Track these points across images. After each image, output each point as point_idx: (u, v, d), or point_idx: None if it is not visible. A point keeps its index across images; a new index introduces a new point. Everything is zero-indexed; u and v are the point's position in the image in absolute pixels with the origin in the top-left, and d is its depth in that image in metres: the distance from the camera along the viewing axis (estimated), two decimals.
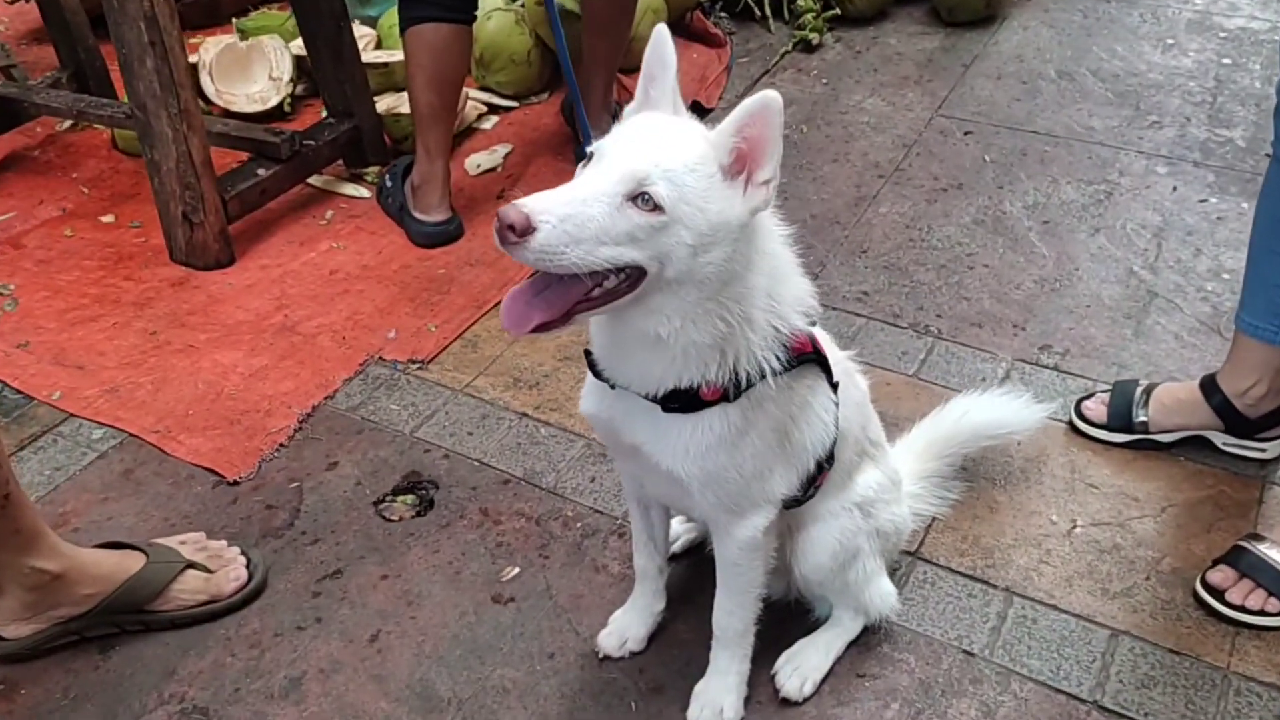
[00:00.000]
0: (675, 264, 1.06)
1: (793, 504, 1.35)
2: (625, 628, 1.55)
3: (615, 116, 2.26)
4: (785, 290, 1.19)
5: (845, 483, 1.43)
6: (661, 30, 1.16)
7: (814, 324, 1.27)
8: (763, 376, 1.18)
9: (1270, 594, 1.56)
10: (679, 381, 1.17)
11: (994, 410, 1.74)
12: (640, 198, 1.02)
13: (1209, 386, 1.82)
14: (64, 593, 1.52)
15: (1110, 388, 1.93)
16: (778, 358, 1.18)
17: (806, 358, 1.24)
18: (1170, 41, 3.21)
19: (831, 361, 1.31)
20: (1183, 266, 2.32)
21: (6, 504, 1.42)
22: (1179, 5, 3.41)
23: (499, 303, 2.30)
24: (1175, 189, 2.56)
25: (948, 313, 2.22)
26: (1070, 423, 1.93)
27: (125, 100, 2.71)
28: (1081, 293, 2.26)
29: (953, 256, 2.39)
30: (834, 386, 1.31)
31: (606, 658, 1.55)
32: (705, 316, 1.12)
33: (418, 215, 2.45)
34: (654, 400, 1.19)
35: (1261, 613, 1.55)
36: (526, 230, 0.99)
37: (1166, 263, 2.33)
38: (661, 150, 1.05)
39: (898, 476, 1.55)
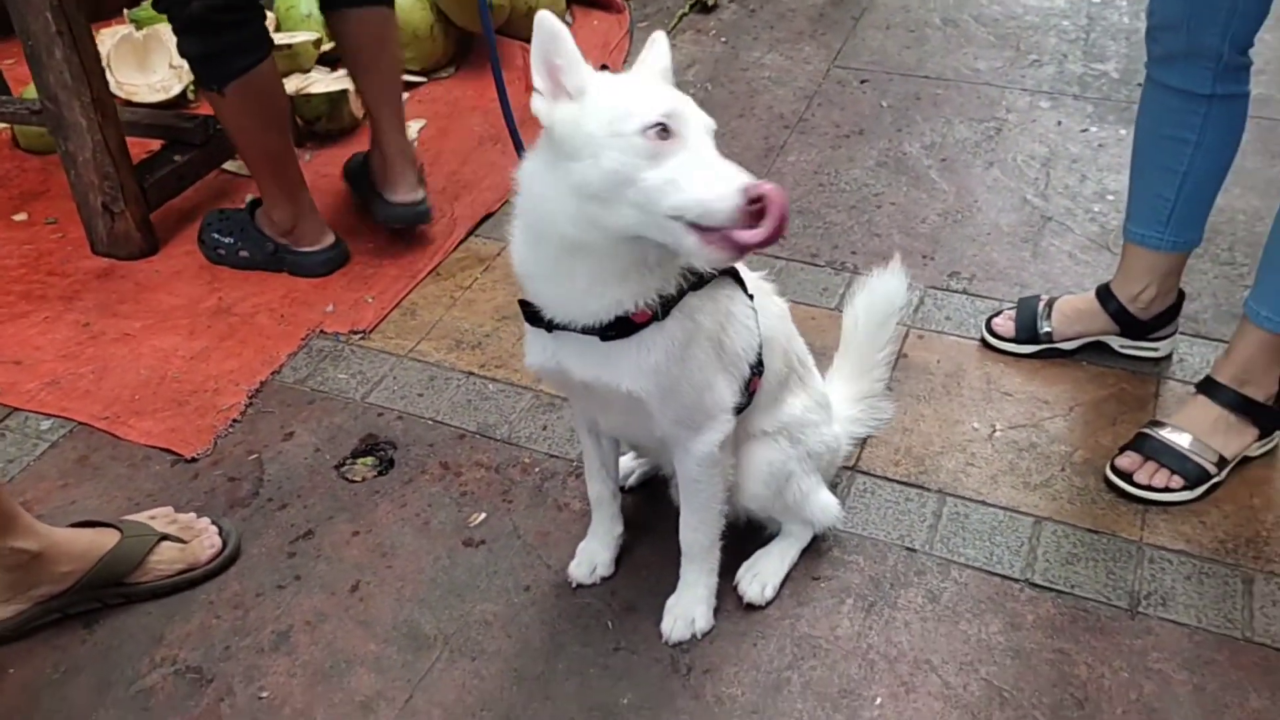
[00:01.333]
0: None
1: (738, 410, 1.45)
2: (593, 555, 1.65)
3: (420, 169, 2.30)
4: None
5: (777, 397, 1.53)
6: (543, 19, 1.17)
7: None
8: (685, 291, 1.28)
9: (1173, 472, 1.73)
10: (629, 304, 1.25)
11: (870, 297, 1.79)
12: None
13: (1104, 295, 1.99)
14: (43, 571, 1.54)
15: (1015, 305, 2.09)
16: (694, 271, 1.29)
17: (722, 272, 1.34)
18: None
19: (744, 275, 1.42)
20: (1071, 192, 2.50)
21: None
22: None
23: (432, 270, 2.35)
24: (1059, 122, 2.75)
25: (861, 249, 2.36)
26: (982, 339, 2.09)
27: (25, 96, 2.69)
28: (981, 222, 2.42)
29: (861, 197, 2.53)
30: (749, 295, 1.42)
31: (580, 586, 1.64)
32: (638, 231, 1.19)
33: (307, 249, 2.32)
34: (594, 332, 1.28)
35: (1166, 489, 1.73)
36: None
37: (1056, 189, 2.51)
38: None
39: (825, 399, 1.65)
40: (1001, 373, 2.02)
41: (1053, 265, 2.28)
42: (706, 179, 1.11)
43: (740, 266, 1.44)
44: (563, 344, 1.32)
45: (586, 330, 1.28)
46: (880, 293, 1.76)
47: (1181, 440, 1.75)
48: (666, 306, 1.27)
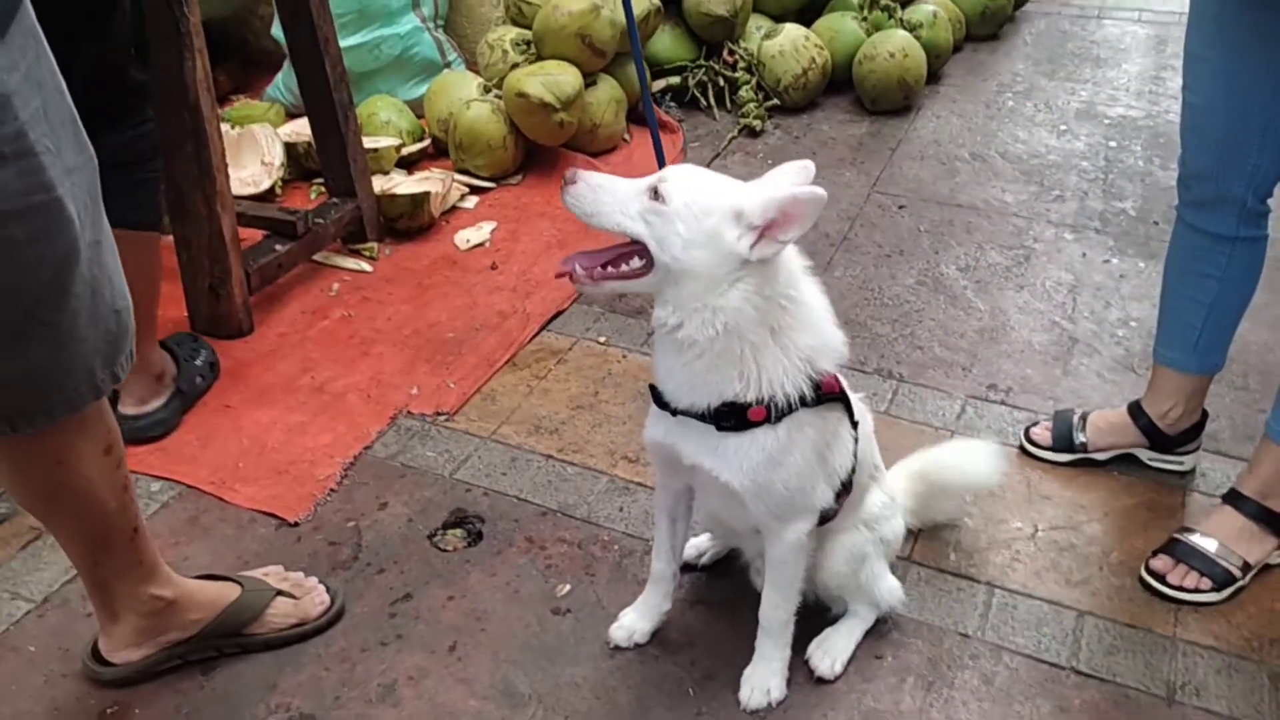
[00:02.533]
0: (669, 249, 1.38)
1: (823, 520, 1.62)
2: (634, 623, 1.79)
3: (159, 377, 2.19)
4: (816, 338, 1.49)
5: (860, 502, 1.72)
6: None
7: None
8: (802, 404, 1.47)
9: (1202, 575, 1.89)
10: (725, 393, 1.44)
11: (956, 459, 1.97)
12: (654, 191, 1.38)
13: (1135, 411, 2.18)
14: (174, 619, 1.68)
15: (1052, 417, 2.28)
16: (810, 391, 1.48)
17: (834, 396, 1.53)
18: (1064, 128, 3.69)
19: (853, 401, 1.61)
20: (1096, 317, 2.71)
21: (135, 536, 1.59)
22: (1067, 97, 3.91)
23: (509, 360, 2.54)
24: (1083, 253, 2.97)
25: (905, 359, 2.55)
26: (1021, 446, 2.26)
27: None
28: (1015, 340, 2.63)
29: (903, 312, 2.73)
30: (854, 424, 1.60)
31: (616, 648, 1.78)
32: (699, 314, 1.40)
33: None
34: (708, 419, 1.46)
35: (1196, 590, 1.88)
36: (572, 182, 1.42)
37: (1082, 314, 2.72)
38: (688, 171, 1.43)
39: (894, 495, 1.83)
40: (1040, 478, 2.19)
41: (1082, 383, 2.47)
42: None
43: (851, 395, 1.63)
44: (682, 427, 1.50)
45: (703, 417, 1.46)
46: (977, 467, 1.95)
47: (1209, 545, 1.91)
48: (780, 413, 1.45)
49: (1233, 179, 1.86)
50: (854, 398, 1.66)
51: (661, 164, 1.57)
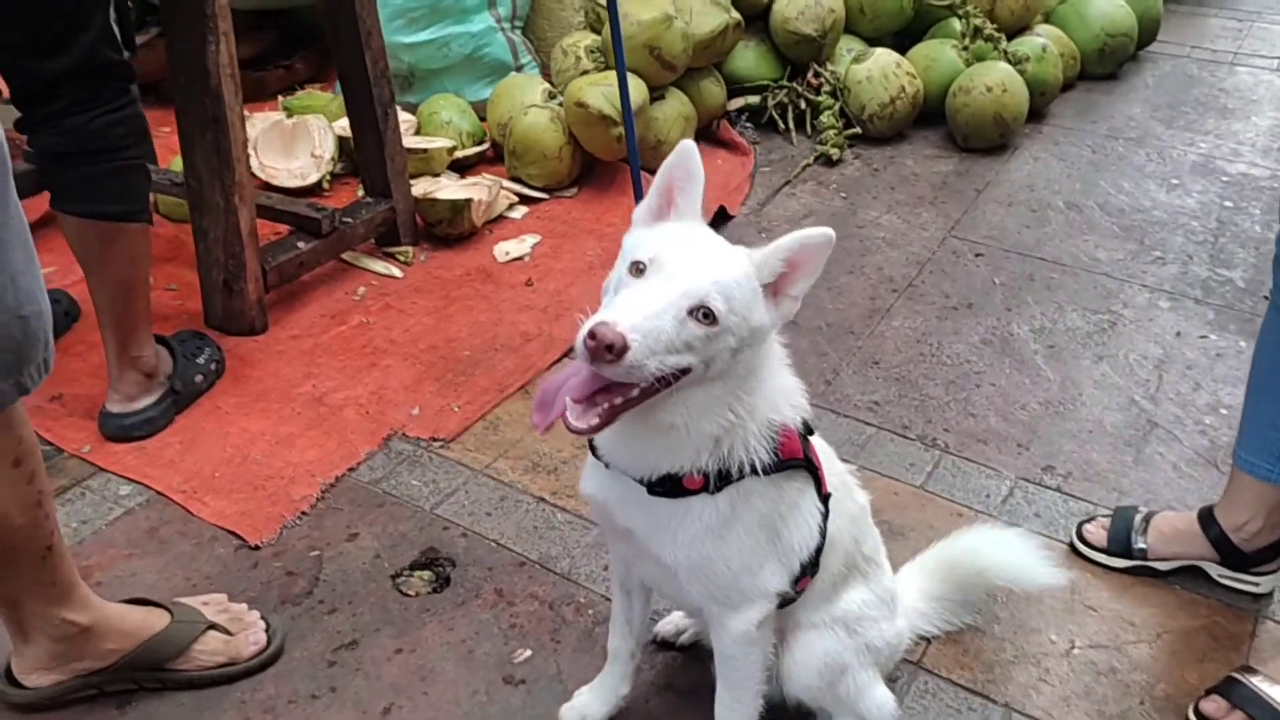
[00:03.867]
0: (718, 365, 1.17)
1: (781, 604, 1.40)
2: (586, 704, 1.60)
3: (149, 374, 2.10)
4: (778, 382, 1.30)
5: (830, 594, 1.47)
6: (687, 144, 1.25)
7: (811, 432, 1.35)
8: (752, 471, 1.25)
9: None
10: (672, 467, 1.25)
11: (1008, 556, 1.71)
12: (699, 311, 1.11)
13: (1206, 519, 1.89)
14: (89, 646, 1.55)
15: (1111, 513, 2.00)
16: (768, 453, 1.26)
17: (796, 463, 1.31)
18: (1175, 182, 3.35)
19: (829, 472, 1.39)
20: (1182, 399, 2.40)
21: (48, 555, 1.47)
22: (1184, 148, 3.57)
23: (522, 387, 2.37)
24: (1177, 326, 2.66)
25: (955, 428, 2.30)
26: (1071, 544, 1.99)
27: (172, 168, 2.84)
28: (1084, 417, 2.34)
29: (961, 373, 2.47)
30: (824, 497, 1.38)
31: None
32: (720, 408, 1.22)
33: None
34: (643, 484, 1.26)
35: None
36: (623, 350, 1.06)
37: (1167, 394, 2.42)
38: (716, 267, 1.15)
39: (890, 595, 1.58)
40: (1088, 584, 1.92)
41: (1155, 475, 2.18)
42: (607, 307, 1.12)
43: (830, 456, 1.42)
44: (615, 483, 1.30)
45: (637, 480, 1.26)
46: (1019, 573, 1.69)
47: (1275, 694, 1.62)
48: (721, 481, 1.24)
49: None
50: (838, 467, 1.44)
51: (639, 195, 1.37)
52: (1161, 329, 2.65)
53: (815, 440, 1.39)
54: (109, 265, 2.02)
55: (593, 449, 1.32)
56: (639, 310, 1.09)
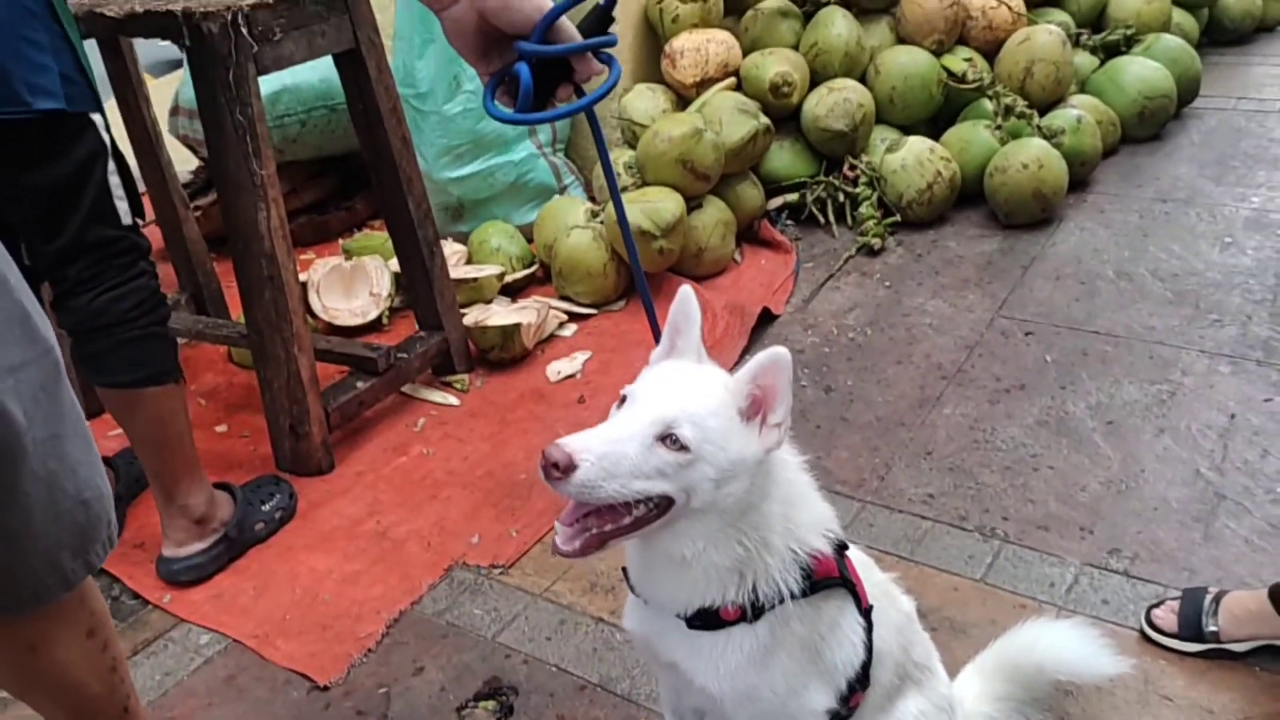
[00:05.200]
0: (700, 495, 1.19)
1: None
2: None
3: (200, 521, 2.19)
4: (802, 514, 1.31)
5: (886, 706, 1.46)
6: (684, 290, 1.30)
7: (845, 547, 1.36)
8: (784, 599, 1.27)
9: None
10: (703, 601, 1.27)
11: (1065, 648, 1.69)
12: (668, 439, 1.15)
13: (1278, 595, 1.83)
14: None
15: (1180, 595, 1.95)
16: (798, 580, 1.28)
17: (832, 581, 1.32)
18: (1228, 240, 3.31)
19: (869, 584, 1.39)
20: (1250, 468, 2.34)
21: (125, 715, 1.54)
22: (1235, 204, 3.52)
23: None
24: (1240, 392, 2.60)
25: (1014, 515, 2.27)
26: (1141, 630, 1.94)
27: (239, 319, 3.01)
28: (1148, 495, 2.29)
29: (1017, 458, 2.45)
30: (865, 611, 1.38)
31: None
32: (725, 541, 1.23)
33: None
34: (682, 618, 1.28)
35: None
36: (569, 468, 1.12)
37: (1233, 464, 2.36)
38: (686, 397, 1.19)
39: (947, 702, 1.55)
40: (1162, 671, 1.86)
41: (1226, 551, 2.12)
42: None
43: (869, 567, 1.43)
44: (656, 618, 1.33)
45: (676, 614, 1.28)
46: (1079, 665, 1.68)
47: None
48: (759, 610, 1.26)
49: None
50: (878, 577, 1.44)
51: (656, 335, 1.42)
52: (1224, 395, 2.60)
53: (853, 553, 1.40)
54: (139, 426, 2.12)
55: (631, 587, 1.36)
56: (599, 435, 1.16)
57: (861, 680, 1.39)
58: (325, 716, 1.92)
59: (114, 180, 1.97)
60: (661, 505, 1.19)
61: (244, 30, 2.18)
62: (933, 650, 1.56)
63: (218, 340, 2.93)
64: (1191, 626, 1.89)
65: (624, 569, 1.36)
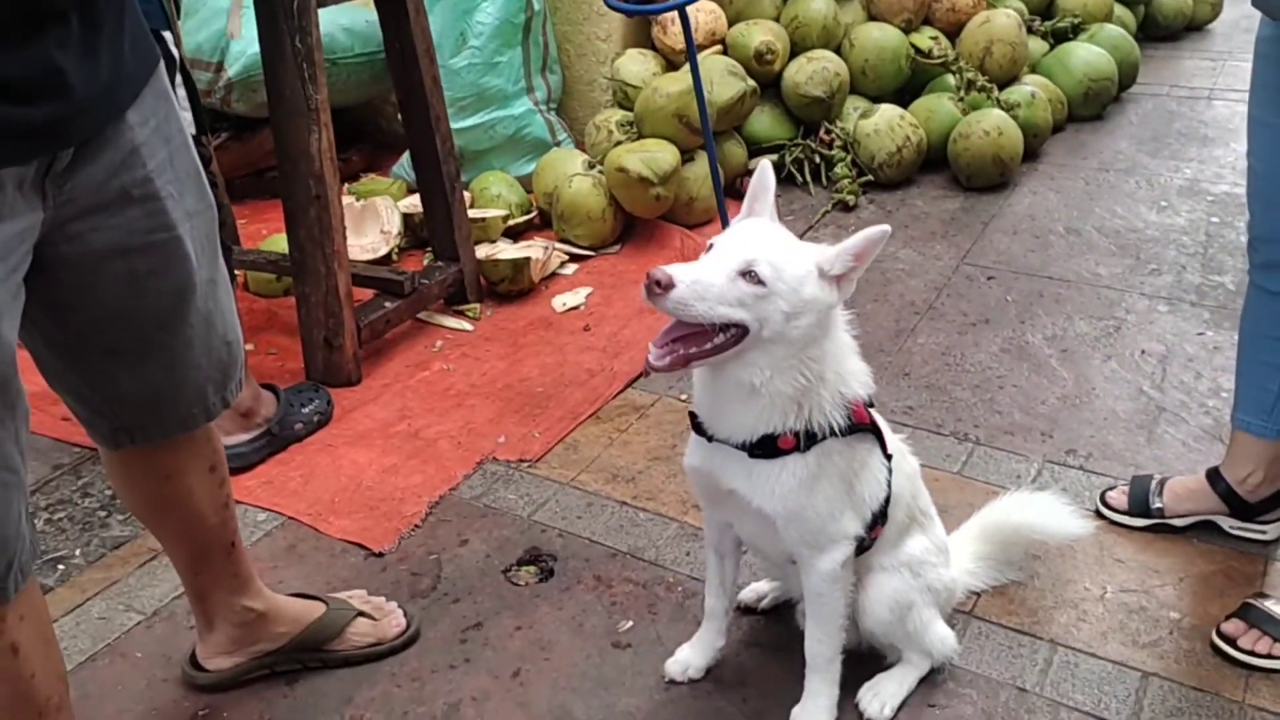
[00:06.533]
0: (771, 326, 1.45)
1: (859, 550, 1.67)
2: (689, 659, 1.85)
3: (245, 414, 2.35)
4: (848, 363, 1.59)
5: (897, 540, 1.75)
6: (764, 164, 1.57)
7: (871, 404, 1.63)
8: (831, 433, 1.54)
9: (1276, 640, 1.84)
10: (768, 427, 1.52)
11: (1040, 513, 1.99)
12: (749, 274, 1.42)
13: (1214, 476, 2.15)
14: (264, 630, 1.82)
15: (1129, 481, 2.26)
16: (842, 418, 1.55)
17: (864, 427, 1.59)
18: (1164, 204, 3.67)
19: (886, 437, 1.67)
20: (1186, 387, 2.67)
21: (232, 550, 1.75)
22: (1170, 174, 3.89)
23: (593, 414, 2.66)
24: (1177, 327, 2.94)
25: (983, 423, 2.57)
26: (1096, 510, 2.25)
27: (261, 249, 3.19)
28: (1099, 408, 2.61)
29: (984, 378, 2.75)
30: (888, 456, 1.65)
31: (671, 681, 1.84)
32: (789, 371, 1.49)
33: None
34: (744, 449, 1.54)
35: (1269, 656, 1.83)
36: (669, 285, 1.38)
37: (1171, 384, 2.69)
38: (765, 243, 1.47)
39: (944, 544, 1.85)
40: (1114, 542, 2.17)
41: (1166, 451, 2.44)
42: None
43: (886, 428, 1.70)
44: (718, 453, 1.58)
45: (739, 446, 1.54)
46: (1051, 526, 1.97)
47: None
48: (810, 441, 1.53)
49: None
50: (892, 437, 1.71)
51: (725, 223, 1.68)
52: (1162, 329, 2.93)
53: (874, 413, 1.67)
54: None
55: (696, 428, 1.61)
56: (694, 266, 1.43)
57: (881, 516, 1.66)
58: (383, 577, 2.13)
59: (180, 92, 2.16)
60: (738, 335, 1.44)
61: None
62: (931, 502, 1.84)
63: (242, 266, 3.09)
64: (1140, 504, 2.20)
65: (690, 413, 1.61)
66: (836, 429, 1.54)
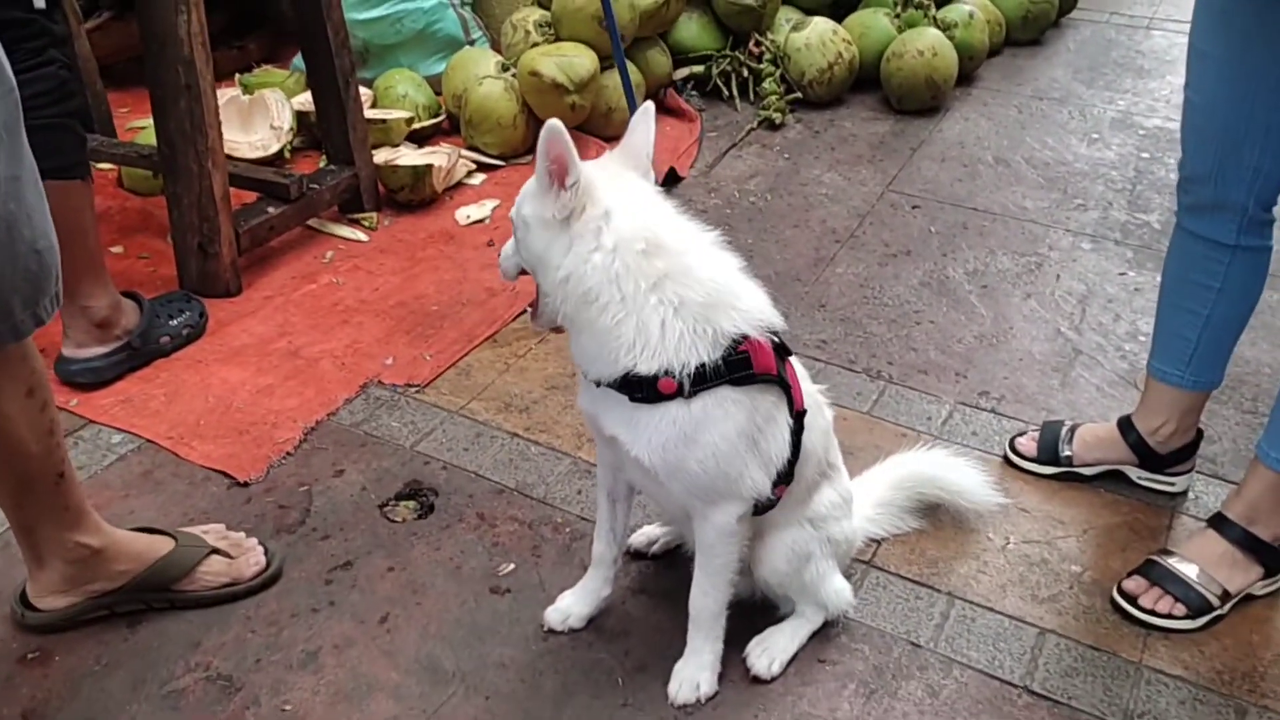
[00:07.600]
0: (526, 255, 1.44)
1: (760, 510, 1.55)
2: (570, 607, 1.74)
3: (101, 325, 2.16)
4: (710, 295, 1.39)
5: (805, 498, 1.63)
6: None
7: (787, 352, 1.49)
8: (718, 376, 1.39)
9: (1177, 600, 1.78)
10: (621, 364, 1.38)
11: (955, 474, 1.94)
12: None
13: (1125, 425, 2.07)
14: (101, 568, 1.66)
15: (1040, 427, 2.18)
16: (714, 357, 1.39)
17: (769, 378, 1.45)
18: (1095, 136, 3.56)
19: (805, 393, 1.54)
20: (1104, 329, 2.60)
21: (61, 481, 1.57)
22: (1104, 106, 3.78)
23: (489, 337, 2.49)
24: (1099, 266, 2.86)
25: (898, 360, 2.47)
26: (1005, 456, 2.17)
27: (137, 142, 2.92)
28: (1015, 348, 2.52)
29: (902, 313, 2.64)
30: (798, 414, 1.52)
31: (551, 631, 1.73)
32: (639, 309, 1.36)
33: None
34: (616, 388, 1.40)
35: (1169, 615, 1.78)
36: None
37: (1090, 325, 2.61)
38: (520, 198, 1.42)
39: (849, 495, 1.74)
40: (1020, 490, 2.09)
41: (1079, 395, 2.37)
42: None
43: (804, 378, 1.56)
44: (604, 396, 1.44)
45: (614, 386, 1.40)
46: (965, 489, 1.94)
47: (1188, 570, 1.81)
48: (696, 386, 1.38)
49: (1232, 183, 1.76)
50: (810, 387, 1.59)
51: (632, 109, 1.56)
52: (1084, 268, 2.85)
53: (794, 362, 1.54)
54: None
55: (583, 371, 1.47)
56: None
57: (787, 476, 1.53)
58: (247, 509, 1.97)
59: None
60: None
61: None
62: (839, 453, 1.73)
63: (112, 159, 2.84)
64: (1049, 451, 2.12)
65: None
66: (714, 370, 1.40)
